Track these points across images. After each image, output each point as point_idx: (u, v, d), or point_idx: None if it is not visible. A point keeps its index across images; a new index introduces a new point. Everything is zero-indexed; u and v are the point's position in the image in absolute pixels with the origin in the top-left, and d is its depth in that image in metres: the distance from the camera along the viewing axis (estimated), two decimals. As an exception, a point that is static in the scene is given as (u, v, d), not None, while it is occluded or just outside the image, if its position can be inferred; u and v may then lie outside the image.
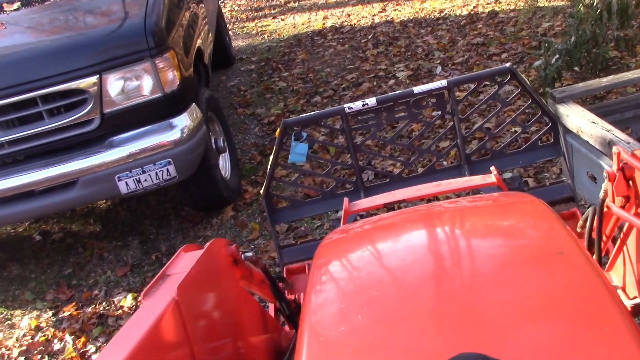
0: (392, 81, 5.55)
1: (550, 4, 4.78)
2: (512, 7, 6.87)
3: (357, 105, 2.40)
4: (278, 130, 2.45)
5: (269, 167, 2.45)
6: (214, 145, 3.96)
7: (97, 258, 3.95)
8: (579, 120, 3.01)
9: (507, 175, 2.40)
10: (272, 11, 9.45)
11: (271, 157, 2.43)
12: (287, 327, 1.95)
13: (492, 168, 2.00)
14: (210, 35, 5.36)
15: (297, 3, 9.55)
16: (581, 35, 4.37)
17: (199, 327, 1.30)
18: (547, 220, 1.39)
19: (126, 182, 3.45)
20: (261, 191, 2.49)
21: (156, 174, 3.47)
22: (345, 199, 1.99)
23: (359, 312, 1.20)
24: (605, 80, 3.29)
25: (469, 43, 6.05)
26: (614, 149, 1.46)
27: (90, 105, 3.38)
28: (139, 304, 3.42)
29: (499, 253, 1.34)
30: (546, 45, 4.83)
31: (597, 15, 4.23)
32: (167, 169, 3.48)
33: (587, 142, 3.02)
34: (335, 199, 2.58)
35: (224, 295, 1.51)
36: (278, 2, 9.90)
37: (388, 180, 2.61)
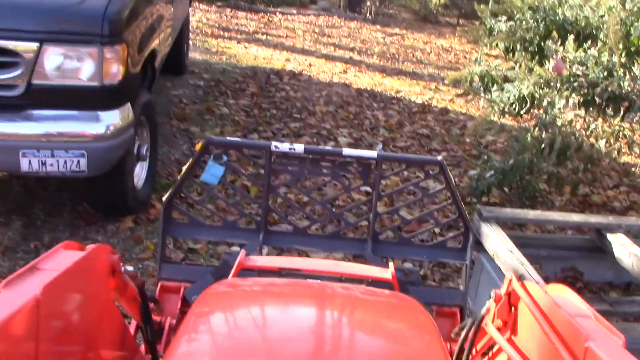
0: (332, 143, 5.52)
1: (500, 120, 4.92)
2: (464, 110, 7.06)
3: (284, 147, 2.35)
4: (200, 144, 2.34)
5: (179, 177, 2.34)
6: (135, 151, 3.76)
7: (-28, 228, 3.63)
8: (498, 244, 3.02)
9: (408, 265, 2.37)
10: (238, 36, 9.39)
11: (184, 168, 2.31)
12: (143, 349, 1.88)
13: (391, 264, 1.98)
14: (169, 39, 5.19)
15: (265, 37, 9.54)
16: (519, 161, 4.50)
17: (54, 330, 1.23)
18: (427, 334, 1.47)
19: (30, 160, 3.20)
20: (163, 198, 2.35)
21: (65, 162, 3.23)
22: (242, 251, 1.93)
23: None
24: (532, 214, 3.35)
25: (415, 131, 6.14)
26: (508, 274, 1.51)
27: (20, 70, 3.15)
28: (-1, 291, 3.12)
29: (371, 353, 1.37)
30: (485, 158, 4.95)
31: (539, 147, 4.36)
32: (79, 161, 3.25)
33: (499, 267, 3.03)
34: (235, 231, 2.49)
35: (90, 303, 1.45)
36: (246, 29, 9.86)
37: (292, 230, 2.55)
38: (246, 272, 1.93)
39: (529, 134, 4.50)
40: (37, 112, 3.23)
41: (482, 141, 6.07)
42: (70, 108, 3.27)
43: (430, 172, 2.51)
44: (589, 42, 4.01)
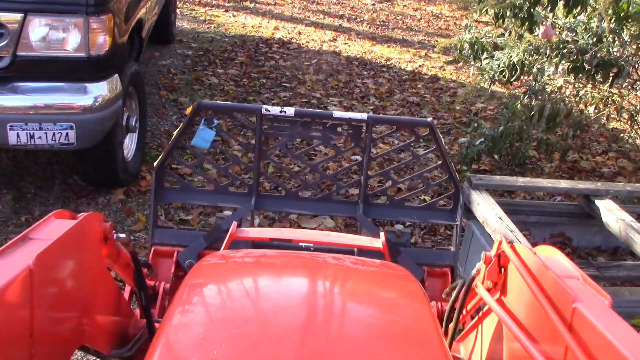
0: (322, 112, 5.50)
1: (490, 88, 4.91)
2: (455, 78, 7.04)
3: (275, 110, 2.36)
4: (190, 108, 2.33)
5: (170, 142, 2.33)
6: (124, 122, 3.74)
7: (-38, 202, 3.62)
8: (487, 212, 3.04)
9: (399, 227, 2.39)
10: (226, 4, 9.26)
11: (175, 133, 2.31)
12: (138, 313, 1.91)
13: (382, 234, 1.99)
14: (156, 8, 5.12)
15: (253, 4, 9.41)
16: (509, 128, 4.51)
17: (48, 298, 1.24)
18: (417, 303, 1.48)
19: (18, 133, 3.18)
20: (155, 163, 2.34)
21: (53, 134, 3.22)
22: (234, 223, 1.95)
23: (216, 347, 1.19)
24: (521, 181, 3.37)
25: (405, 99, 6.12)
26: (497, 236, 1.53)
27: (5, 42, 3.11)
28: (-9, 264, 3.12)
29: (361, 322, 1.40)
30: (475, 125, 4.95)
31: (529, 114, 4.37)
32: (67, 133, 3.23)
33: (489, 234, 3.05)
34: (227, 195, 2.50)
35: (83, 271, 1.46)
36: (235, -3, 9.72)
37: (284, 194, 2.55)
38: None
39: (519, 101, 4.50)
40: (23, 85, 3.20)
41: (472, 109, 6.06)
42: (57, 80, 3.24)
43: (420, 133, 2.52)
44: (579, 8, 3.99)
